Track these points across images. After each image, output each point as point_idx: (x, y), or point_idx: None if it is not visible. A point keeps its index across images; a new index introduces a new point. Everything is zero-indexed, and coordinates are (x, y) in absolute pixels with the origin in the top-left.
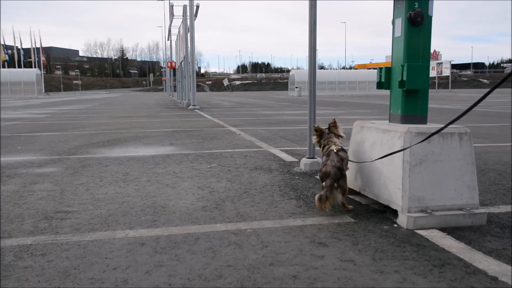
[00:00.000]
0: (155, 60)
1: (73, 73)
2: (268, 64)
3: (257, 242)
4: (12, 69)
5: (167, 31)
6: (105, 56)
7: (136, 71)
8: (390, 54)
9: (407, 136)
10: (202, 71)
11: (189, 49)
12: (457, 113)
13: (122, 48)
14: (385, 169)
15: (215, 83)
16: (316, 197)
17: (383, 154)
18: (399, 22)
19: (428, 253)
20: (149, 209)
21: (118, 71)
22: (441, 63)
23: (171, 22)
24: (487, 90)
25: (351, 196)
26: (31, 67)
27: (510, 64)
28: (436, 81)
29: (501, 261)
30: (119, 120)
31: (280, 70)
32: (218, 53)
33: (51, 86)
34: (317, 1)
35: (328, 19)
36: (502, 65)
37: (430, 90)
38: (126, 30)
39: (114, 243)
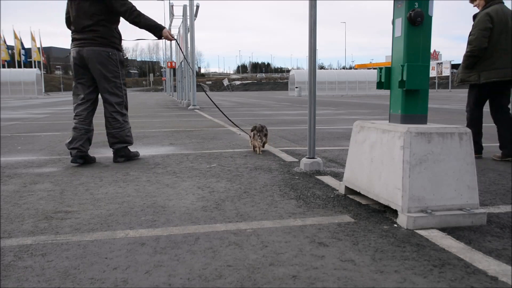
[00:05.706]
0: (155, 60)
1: None
2: (268, 64)
3: (257, 242)
4: (12, 69)
5: None
6: None
7: (136, 71)
8: (390, 54)
9: (407, 136)
10: (202, 71)
11: (189, 49)
12: (457, 113)
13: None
14: (385, 169)
15: (215, 83)
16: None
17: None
18: (399, 22)
19: (428, 253)
20: (149, 209)
21: None
22: (441, 63)
23: (171, 22)
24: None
25: (351, 196)
26: (31, 67)
27: None
28: (436, 81)
29: (501, 261)
30: None
31: (280, 70)
32: (218, 53)
33: (51, 86)
34: (317, 1)
35: (328, 19)
36: None
37: (430, 90)
38: (126, 30)
39: (114, 243)
